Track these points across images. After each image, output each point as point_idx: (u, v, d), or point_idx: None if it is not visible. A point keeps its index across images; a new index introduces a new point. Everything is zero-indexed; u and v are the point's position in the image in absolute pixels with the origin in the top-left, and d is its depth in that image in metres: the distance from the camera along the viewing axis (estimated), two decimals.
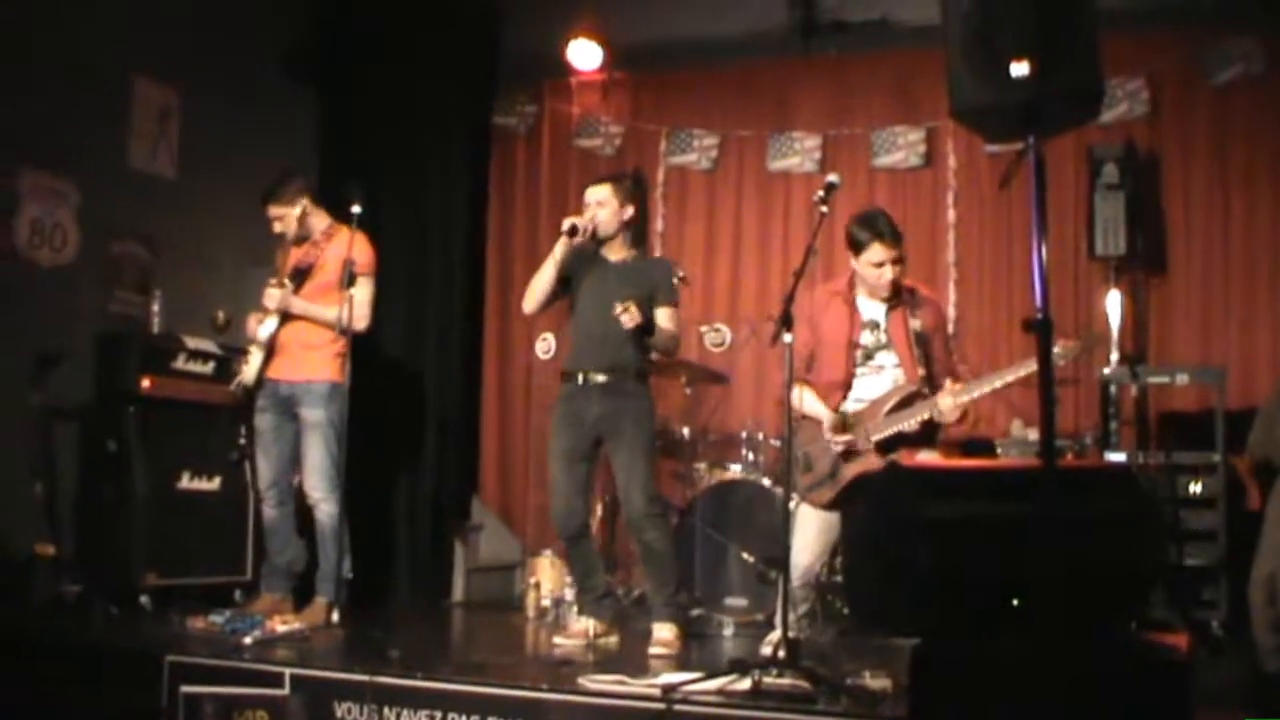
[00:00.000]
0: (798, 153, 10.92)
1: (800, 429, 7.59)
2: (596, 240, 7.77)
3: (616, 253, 7.86)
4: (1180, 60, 9.87)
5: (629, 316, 7.29)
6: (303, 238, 8.43)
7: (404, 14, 10.76)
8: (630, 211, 7.89)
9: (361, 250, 8.25)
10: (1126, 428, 9.25)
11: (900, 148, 10.63)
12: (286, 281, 8.29)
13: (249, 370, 8.36)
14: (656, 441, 8.07)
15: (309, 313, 8.27)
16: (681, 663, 7.07)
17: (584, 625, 7.74)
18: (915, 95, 10.63)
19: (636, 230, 8.23)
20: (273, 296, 8.25)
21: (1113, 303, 9.51)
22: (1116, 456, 8.87)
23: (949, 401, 7.01)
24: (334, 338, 8.20)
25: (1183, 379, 9.00)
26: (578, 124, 11.60)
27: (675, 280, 7.93)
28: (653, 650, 7.34)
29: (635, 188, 8.11)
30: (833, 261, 10.01)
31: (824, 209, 6.77)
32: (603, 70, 11.31)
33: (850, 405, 7.40)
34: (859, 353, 7.41)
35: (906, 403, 7.21)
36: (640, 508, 7.55)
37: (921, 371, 7.28)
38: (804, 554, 7.43)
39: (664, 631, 7.51)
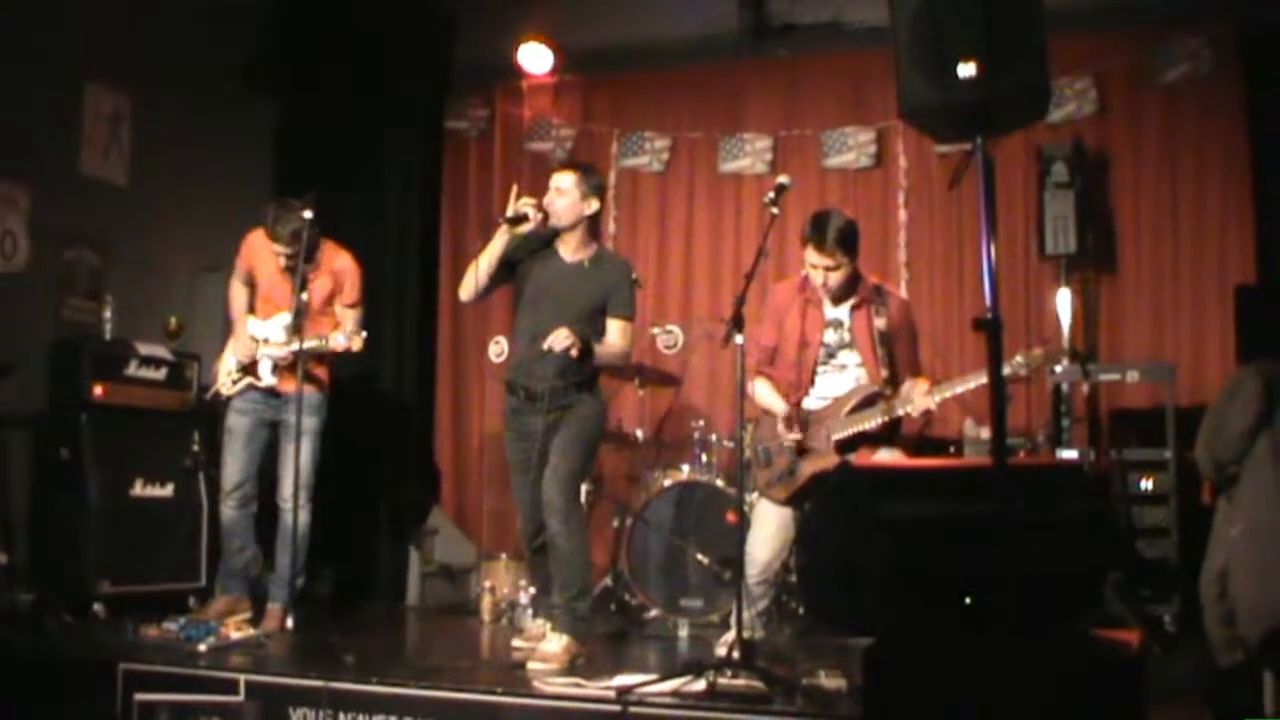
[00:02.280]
0: (749, 154, 10.94)
1: (760, 424, 7.62)
2: (550, 230, 7.46)
3: (572, 250, 7.50)
4: (1128, 59, 9.92)
5: (563, 344, 7.05)
6: (304, 263, 8.27)
7: (356, 20, 10.75)
8: (594, 206, 7.51)
9: (353, 276, 8.41)
10: (1078, 425, 9.29)
11: (851, 148, 10.65)
12: (286, 323, 8.26)
13: (235, 388, 8.35)
14: (596, 446, 7.81)
15: (315, 351, 8.17)
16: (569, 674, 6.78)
17: (541, 628, 7.65)
18: (866, 96, 10.66)
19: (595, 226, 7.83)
20: (285, 357, 8.21)
21: (1063, 301, 9.56)
22: (1069, 454, 8.91)
23: (920, 401, 7.05)
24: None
25: (1133, 376, 9.04)
26: (529, 127, 11.58)
27: (633, 285, 7.63)
28: (530, 664, 6.97)
29: (600, 186, 7.63)
30: (784, 262, 10.05)
31: (775, 210, 6.81)
32: (554, 73, 11.28)
33: (812, 403, 7.42)
34: (822, 351, 7.43)
35: (868, 402, 7.23)
36: (553, 501, 7.21)
37: (884, 372, 7.30)
38: (762, 550, 7.44)
39: (552, 643, 7.13)
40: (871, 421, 7.18)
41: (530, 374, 7.41)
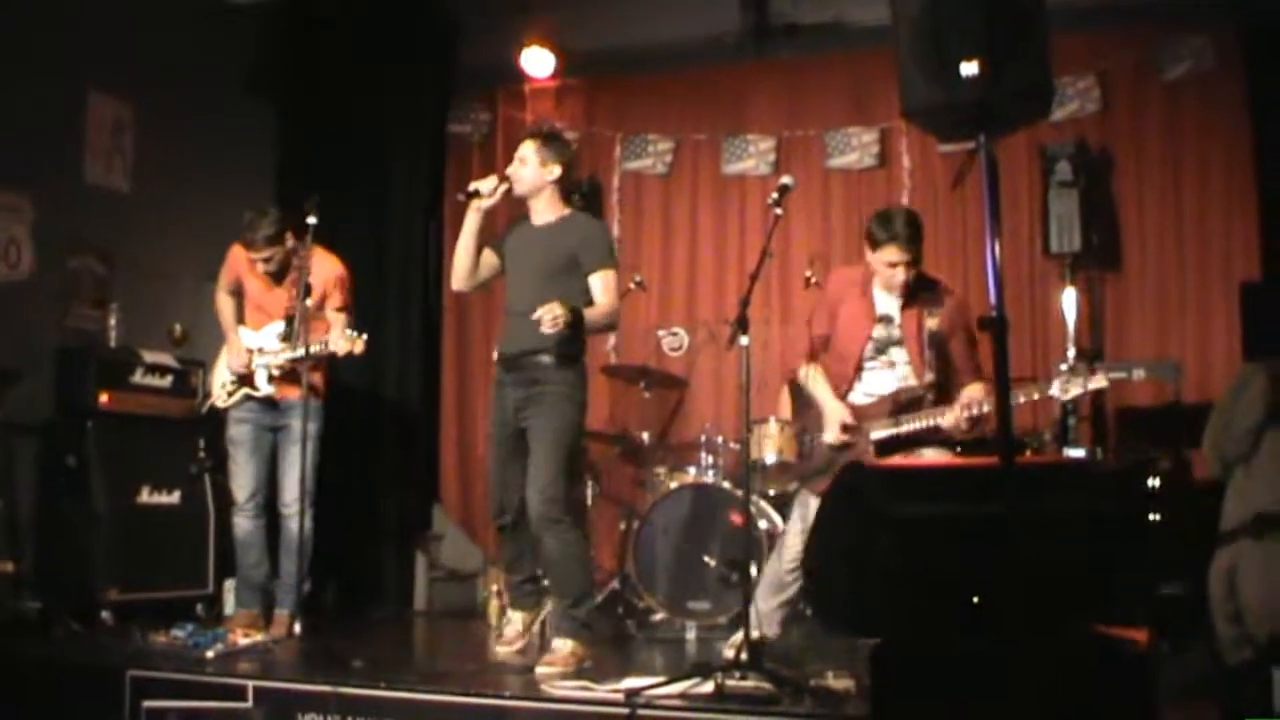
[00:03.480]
0: (752, 156, 10.94)
1: (808, 413, 7.55)
2: (517, 199, 7.50)
3: (542, 215, 7.49)
4: (1131, 57, 9.92)
5: (551, 319, 6.86)
6: (284, 270, 8.31)
7: (359, 26, 10.74)
8: (556, 171, 7.45)
9: (342, 281, 8.38)
10: (1084, 424, 9.29)
11: (854, 148, 10.66)
12: (280, 331, 8.21)
13: (231, 400, 8.31)
14: (578, 439, 7.64)
15: (311, 357, 8.13)
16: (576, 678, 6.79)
17: (516, 628, 7.60)
18: (869, 96, 10.66)
19: (580, 192, 7.77)
20: (280, 364, 8.16)
21: (1068, 300, 9.56)
22: (1075, 453, 8.90)
23: (958, 415, 6.97)
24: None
25: (1139, 374, 9.01)
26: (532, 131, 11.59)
27: (608, 237, 7.66)
28: (539, 669, 6.92)
29: (561, 152, 7.60)
30: (788, 263, 10.07)
31: (779, 211, 6.78)
32: (556, 77, 11.28)
33: (858, 399, 7.33)
34: (870, 345, 7.32)
35: (911, 405, 7.17)
36: (538, 510, 7.12)
37: (930, 375, 7.17)
38: (797, 539, 7.35)
39: (558, 646, 7.10)
40: (910, 425, 7.13)
41: (508, 347, 7.40)
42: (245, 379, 8.27)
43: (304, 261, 8.00)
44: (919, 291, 7.29)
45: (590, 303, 7.27)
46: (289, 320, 8.12)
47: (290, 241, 8.20)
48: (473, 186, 7.38)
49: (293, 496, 8.13)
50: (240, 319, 8.46)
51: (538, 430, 7.23)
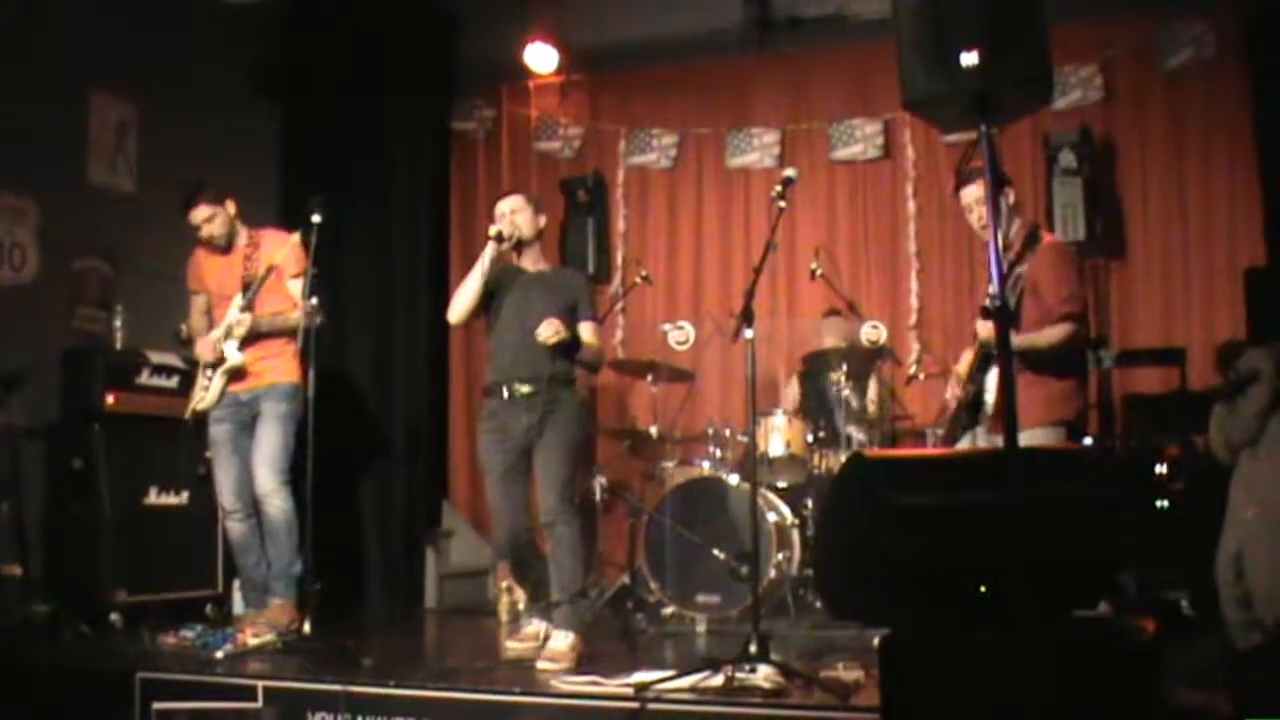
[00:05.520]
0: (756, 149, 10.97)
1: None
2: (517, 246, 7.70)
3: (533, 263, 7.80)
4: (1133, 45, 9.93)
5: (552, 333, 7.26)
6: (228, 242, 8.33)
7: (361, 22, 10.72)
8: (544, 220, 7.88)
9: (293, 247, 8.21)
10: (1091, 411, 9.28)
11: (858, 140, 10.68)
12: (240, 301, 8.20)
13: (210, 394, 8.26)
14: (583, 445, 7.90)
15: (275, 326, 8.19)
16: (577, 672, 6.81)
17: (535, 629, 7.62)
18: (872, 88, 10.68)
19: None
20: (242, 322, 8.12)
21: None
22: (1083, 440, 8.90)
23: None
24: (288, 340, 8.17)
25: (1145, 362, 9.05)
26: (536, 127, 11.62)
27: (594, 291, 8.01)
28: (540, 664, 6.93)
29: (540, 204, 8.00)
30: (793, 256, 10.10)
31: (782, 204, 6.78)
32: (560, 72, 11.30)
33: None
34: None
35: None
36: (551, 506, 7.34)
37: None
38: None
39: (559, 641, 7.12)
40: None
41: (514, 374, 7.52)
42: (216, 363, 8.23)
43: (309, 263, 7.99)
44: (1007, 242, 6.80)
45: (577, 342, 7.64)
46: (246, 288, 8.13)
47: (231, 207, 8.31)
48: (494, 230, 7.61)
49: (263, 475, 8.16)
50: (212, 323, 8.43)
51: (552, 440, 7.44)
